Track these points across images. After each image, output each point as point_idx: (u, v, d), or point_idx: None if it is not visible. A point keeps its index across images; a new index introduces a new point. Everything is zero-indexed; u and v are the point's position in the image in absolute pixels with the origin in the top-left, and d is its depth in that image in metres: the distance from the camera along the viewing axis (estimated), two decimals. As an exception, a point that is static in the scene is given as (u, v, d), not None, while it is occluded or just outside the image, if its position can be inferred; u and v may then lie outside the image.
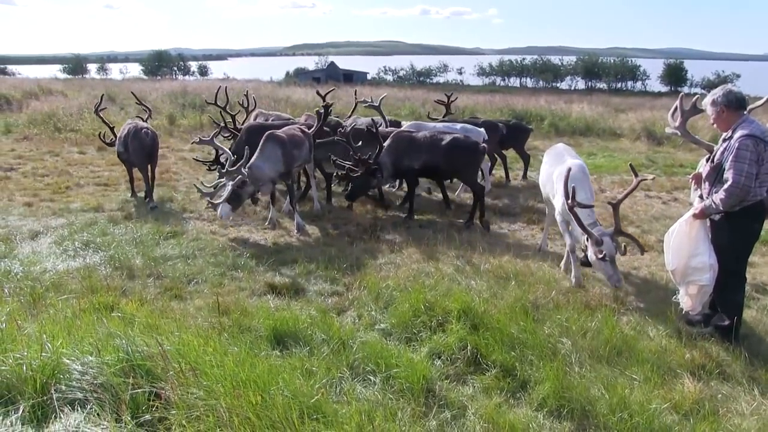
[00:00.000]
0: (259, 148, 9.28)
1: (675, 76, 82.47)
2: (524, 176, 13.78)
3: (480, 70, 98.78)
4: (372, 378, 4.69)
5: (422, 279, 6.92)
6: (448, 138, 9.72)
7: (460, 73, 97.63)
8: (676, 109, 6.42)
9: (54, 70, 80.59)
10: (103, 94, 15.61)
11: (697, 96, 6.01)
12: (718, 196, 5.39)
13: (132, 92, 18.97)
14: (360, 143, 9.68)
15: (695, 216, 5.64)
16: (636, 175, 6.48)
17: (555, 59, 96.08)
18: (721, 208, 5.42)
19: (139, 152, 11.02)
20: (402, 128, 11.01)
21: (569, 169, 6.66)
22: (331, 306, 6.50)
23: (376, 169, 9.70)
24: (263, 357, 4.73)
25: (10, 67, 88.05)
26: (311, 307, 6.33)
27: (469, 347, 5.17)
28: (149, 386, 3.84)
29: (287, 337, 5.37)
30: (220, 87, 14.76)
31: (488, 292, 6.48)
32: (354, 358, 4.95)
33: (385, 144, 9.80)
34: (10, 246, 8.46)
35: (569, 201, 6.39)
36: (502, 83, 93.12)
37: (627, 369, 5.00)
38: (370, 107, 12.88)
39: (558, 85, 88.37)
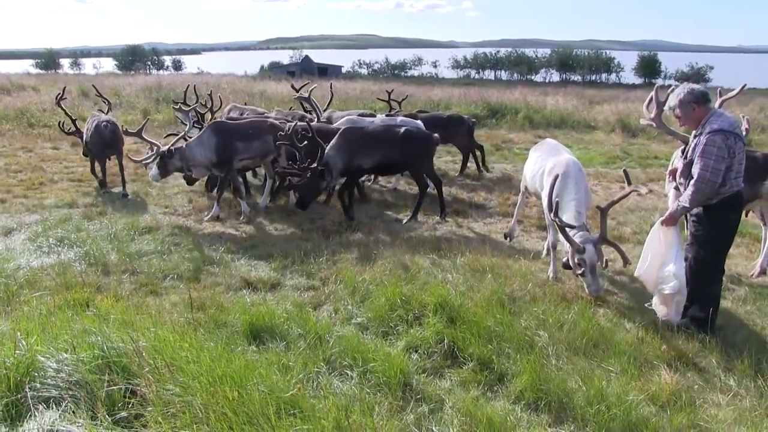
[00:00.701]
0: (199, 133, 9.89)
1: (649, 68, 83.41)
2: (478, 168, 13.53)
3: (455, 63, 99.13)
4: (349, 372, 4.68)
5: (398, 273, 6.91)
6: (401, 130, 9.53)
7: (435, 66, 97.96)
8: (651, 100, 6.45)
9: (26, 65, 79.56)
10: (65, 87, 15.89)
11: (672, 87, 6.07)
12: (686, 193, 5.45)
13: (93, 85, 19.11)
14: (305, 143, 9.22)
15: (664, 223, 5.70)
16: (629, 183, 6.49)
17: (529, 52, 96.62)
18: (688, 206, 5.48)
19: (99, 144, 11.39)
20: (342, 124, 10.50)
21: (557, 176, 6.60)
22: (308, 300, 6.48)
23: (322, 171, 9.18)
24: (239, 352, 4.71)
25: None
26: (287, 302, 6.31)
27: (446, 341, 5.17)
28: (125, 383, 3.82)
29: (264, 332, 5.35)
30: (188, 86, 14.84)
31: (464, 285, 6.49)
32: (331, 353, 4.94)
33: (333, 141, 9.40)
34: (-18, 243, 8.33)
35: (552, 215, 6.38)
36: (477, 76, 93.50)
37: (604, 361, 5.01)
38: (300, 99, 12.78)
39: (532, 77, 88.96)
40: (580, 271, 6.29)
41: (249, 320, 5.45)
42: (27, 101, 23.28)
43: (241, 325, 5.44)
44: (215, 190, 10.31)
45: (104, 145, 11.39)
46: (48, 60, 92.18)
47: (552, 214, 6.36)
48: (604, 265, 6.59)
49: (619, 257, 6.45)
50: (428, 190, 10.00)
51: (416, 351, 5.18)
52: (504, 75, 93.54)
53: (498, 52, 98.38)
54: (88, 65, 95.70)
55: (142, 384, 3.78)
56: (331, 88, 14.07)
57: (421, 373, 4.84)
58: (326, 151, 9.19)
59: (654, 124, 6.44)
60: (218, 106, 13.10)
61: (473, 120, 14.14)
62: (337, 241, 8.58)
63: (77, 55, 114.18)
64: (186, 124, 10.61)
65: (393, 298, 5.92)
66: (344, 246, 8.34)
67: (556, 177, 6.60)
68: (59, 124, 12.66)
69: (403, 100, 15.45)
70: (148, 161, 10.20)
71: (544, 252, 7.93)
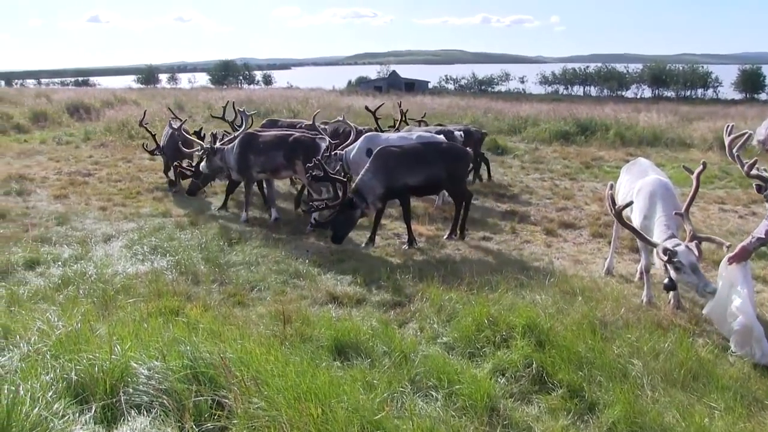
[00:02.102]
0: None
1: (752, 82, 79.36)
2: (488, 177, 14.00)
3: (542, 78, 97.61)
4: (434, 393, 4.58)
5: (485, 292, 6.76)
6: (445, 147, 9.39)
7: (522, 82, 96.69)
8: None
9: (128, 81, 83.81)
10: (145, 111, 17.77)
11: None
12: (762, 225, 5.13)
13: (168, 107, 21.08)
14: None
15: (733, 259, 5.39)
16: (697, 178, 6.42)
17: (620, 67, 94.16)
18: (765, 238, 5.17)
19: (171, 148, 12.93)
20: (372, 142, 10.01)
21: (645, 195, 6.42)
22: (393, 317, 6.43)
23: (352, 200, 8.71)
24: (324, 368, 4.69)
25: (93, 79, 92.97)
26: (373, 318, 6.27)
27: (534, 365, 5.00)
28: (212, 394, 3.85)
29: (348, 348, 5.31)
30: (228, 102, 15.37)
31: (554, 307, 6.28)
32: (415, 372, 4.85)
33: (367, 165, 9.02)
34: (85, 248, 8.72)
35: (614, 209, 6.16)
36: (566, 92, 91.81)
37: (705, 396, 4.70)
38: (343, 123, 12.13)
39: (623, 93, 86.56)
40: (680, 276, 5.94)
41: (334, 335, 5.43)
42: (128, 114, 24.32)
43: (326, 340, 5.42)
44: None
45: (176, 149, 12.69)
46: (148, 75, 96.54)
47: (614, 210, 6.15)
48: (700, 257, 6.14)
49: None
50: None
51: (503, 374, 5.03)
52: (593, 91, 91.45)
53: (587, 67, 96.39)
54: (184, 80, 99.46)
55: (229, 396, 3.80)
56: (400, 106, 14.18)
57: (508, 398, 4.69)
58: (360, 176, 8.98)
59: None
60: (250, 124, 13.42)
61: (483, 131, 14.55)
62: (423, 258, 8.51)
63: (174, 70, 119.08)
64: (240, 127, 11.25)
65: (480, 318, 5.78)
66: (430, 263, 8.27)
67: (645, 196, 6.41)
68: (143, 145, 13.93)
69: (423, 116, 15.56)
70: (197, 151, 11.39)
71: (638, 275, 7.63)
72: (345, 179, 8.90)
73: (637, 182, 7.08)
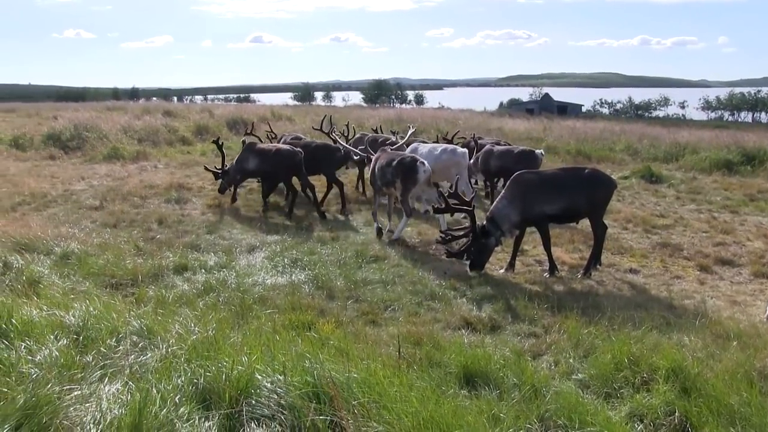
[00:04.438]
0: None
1: None
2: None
3: (705, 103, 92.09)
4: (564, 434, 4.30)
5: (627, 329, 6.35)
6: (587, 173, 8.84)
7: (683, 107, 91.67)
8: None
9: (286, 98, 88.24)
10: (253, 122, 19.82)
11: None
12: None
13: (268, 123, 23.07)
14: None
15: None
16: None
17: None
18: None
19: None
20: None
21: None
22: (527, 348, 6.17)
23: (484, 228, 8.47)
24: (450, 396, 4.54)
25: (253, 96, 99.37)
26: (506, 347, 6.05)
27: (677, 413, 4.57)
28: (331, 414, 3.79)
29: (477, 377, 5.13)
30: (325, 116, 15.83)
31: (703, 351, 5.78)
32: (546, 409, 4.56)
33: (504, 192, 8.83)
34: (230, 257, 9.12)
35: None
36: (731, 118, 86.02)
37: None
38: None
39: (801, 121, 79.91)
40: None
41: (464, 362, 5.27)
42: (282, 130, 25.37)
43: (455, 367, 5.28)
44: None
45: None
46: (304, 93, 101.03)
47: None
48: None
49: None
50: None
51: (641, 420, 4.65)
52: (765, 117, 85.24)
53: (758, 91, 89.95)
54: (338, 98, 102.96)
55: (347, 418, 3.74)
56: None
57: (645, 447, 4.33)
58: (496, 203, 8.77)
59: None
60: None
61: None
62: (565, 288, 8.16)
63: (329, 88, 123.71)
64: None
65: (620, 356, 5.40)
66: (571, 294, 7.93)
67: None
68: (205, 167, 14.21)
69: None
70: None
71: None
72: (470, 209, 8.60)
73: None
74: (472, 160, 13.37)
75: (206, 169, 13.78)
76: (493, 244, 8.66)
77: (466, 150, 12.54)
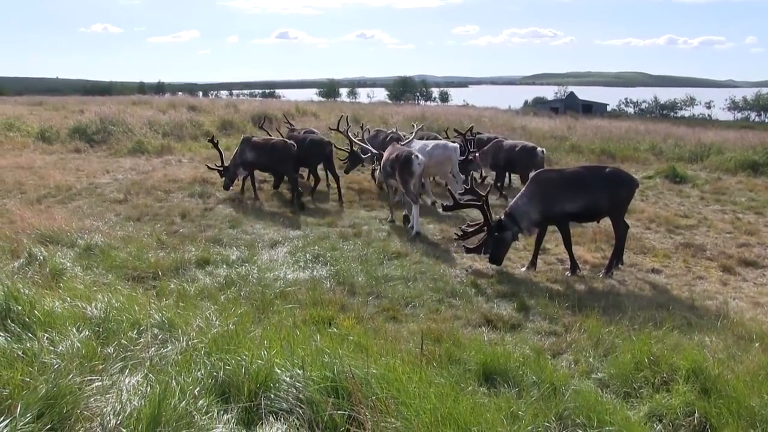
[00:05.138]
0: None
1: None
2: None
3: (732, 104, 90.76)
4: (582, 432, 4.27)
5: (648, 328, 6.29)
6: (609, 172, 8.78)
7: (709, 107, 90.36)
8: None
9: (311, 94, 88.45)
10: (265, 116, 22.26)
11: None
12: None
13: (284, 115, 24.13)
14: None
15: None
16: None
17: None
18: None
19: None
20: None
21: None
22: (547, 346, 6.14)
23: (500, 223, 8.57)
24: (468, 393, 4.51)
25: (278, 91, 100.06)
26: (526, 345, 6.02)
27: (696, 414, 4.52)
28: (349, 409, 3.80)
29: (497, 375, 5.10)
30: (342, 116, 15.50)
31: (725, 352, 5.71)
32: (564, 407, 4.53)
33: (524, 189, 8.86)
34: (252, 252, 9.16)
35: None
36: (758, 119, 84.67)
37: None
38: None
39: (833, 122, 78.47)
40: None
41: (483, 360, 5.25)
42: (305, 125, 25.42)
43: (474, 364, 5.25)
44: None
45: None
46: (329, 89, 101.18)
47: None
48: None
49: None
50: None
51: (660, 420, 4.61)
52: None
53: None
54: (363, 94, 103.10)
55: (365, 413, 3.74)
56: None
57: (663, 448, 4.29)
58: (515, 200, 8.78)
59: None
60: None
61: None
62: (587, 287, 8.11)
63: (355, 84, 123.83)
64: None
65: (640, 356, 5.36)
66: (592, 293, 7.87)
67: None
68: (207, 166, 14.44)
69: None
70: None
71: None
72: (481, 203, 8.60)
73: None
74: (479, 154, 14.04)
75: (209, 168, 14.03)
76: (510, 238, 8.69)
77: (457, 145, 12.99)
